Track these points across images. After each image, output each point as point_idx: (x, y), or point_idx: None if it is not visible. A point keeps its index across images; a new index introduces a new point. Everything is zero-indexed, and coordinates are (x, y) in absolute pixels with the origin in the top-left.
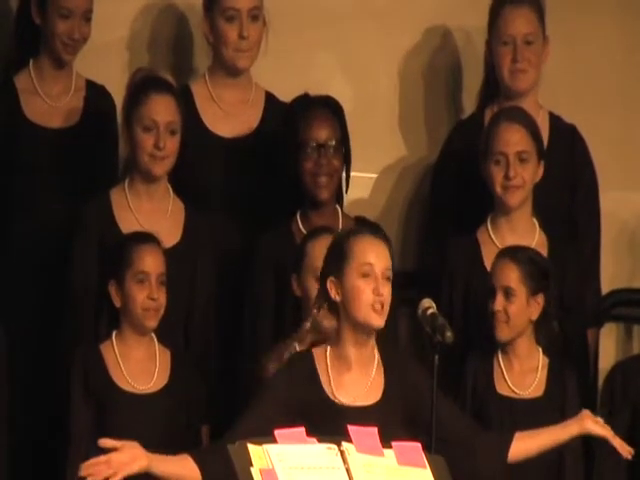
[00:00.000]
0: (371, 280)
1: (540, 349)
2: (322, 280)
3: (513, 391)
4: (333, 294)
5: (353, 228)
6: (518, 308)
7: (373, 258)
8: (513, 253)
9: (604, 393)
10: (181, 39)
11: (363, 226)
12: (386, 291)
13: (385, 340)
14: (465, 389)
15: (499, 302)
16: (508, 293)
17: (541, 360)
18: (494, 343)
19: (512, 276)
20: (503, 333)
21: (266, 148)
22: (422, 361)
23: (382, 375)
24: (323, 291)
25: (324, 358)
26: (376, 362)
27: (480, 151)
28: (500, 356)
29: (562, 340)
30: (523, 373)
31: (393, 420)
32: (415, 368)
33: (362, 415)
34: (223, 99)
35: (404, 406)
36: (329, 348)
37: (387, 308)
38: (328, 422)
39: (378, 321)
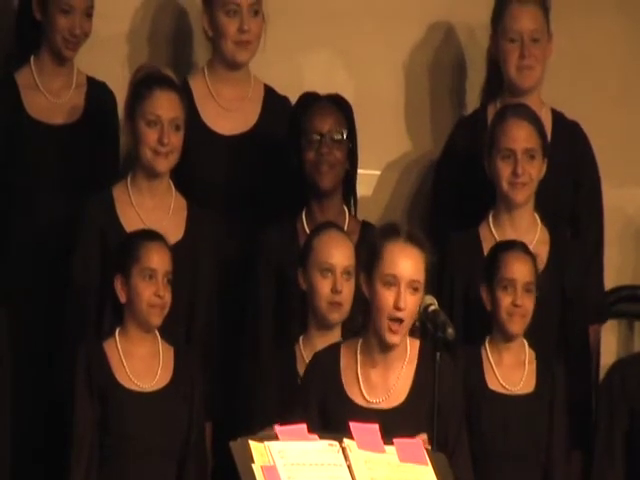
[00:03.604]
0: (394, 291)
1: (526, 342)
2: (359, 274)
3: (504, 387)
4: (364, 290)
5: (391, 228)
6: (534, 303)
7: (400, 270)
8: (522, 248)
9: (602, 392)
10: (181, 34)
11: (400, 228)
12: (409, 303)
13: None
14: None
15: (520, 297)
16: (528, 288)
17: (527, 353)
18: (505, 336)
19: (532, 271)
20: (520, 327)
21: (266, 143)
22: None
23: (412, 376)
24: (359, 287)
25: (354, 353)
26: (407, 361)
27: (485, 147)
28: (489, 350)
29: (561, 335)
30: (512, 367)
31: (412, 425)
32: (449, 380)
33: (380, 418)
34: (222, 95)
35: (427, 412)
36: (360, 341)
37: (408, 322)
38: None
39: (392, 339)
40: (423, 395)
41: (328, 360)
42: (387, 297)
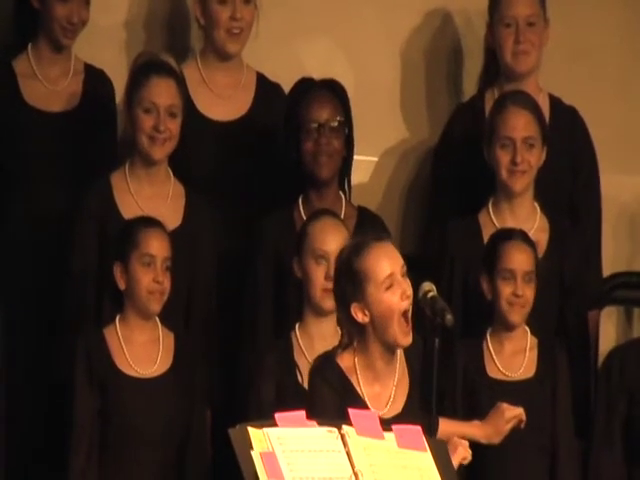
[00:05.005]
0: (396, 287)
1: (528, 330)
2: (344, 308)
3: (504, 373)
4: (360, 318)
5: (355, 243)
6: (534, 292)
7: (390, 267)
8: (522, 236)
9: (601, 378)
10: (179, 19)
11: (364, 234)
12: (409, 288)
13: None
14: (456, 368)
15: (520, 287)
16: (528, 278)
17: (529, 341)
18: (506, 326)
19: (532, 260)
20: (520, 317)
21: (259, 130)
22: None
23: (407, 384)
24: (347, 319)
25: (354, 369)
26: (399, 371)
27: (485, 135)
28: (489, 338)
29: (560, 322)
30: (513, 355)
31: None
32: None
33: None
34: (215, 82)
35: (424, 416)
36: (356, 359)
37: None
38: None
39: (407, 340)
40: (418, 404)
41: (341, 381)
42: (393, 297)
